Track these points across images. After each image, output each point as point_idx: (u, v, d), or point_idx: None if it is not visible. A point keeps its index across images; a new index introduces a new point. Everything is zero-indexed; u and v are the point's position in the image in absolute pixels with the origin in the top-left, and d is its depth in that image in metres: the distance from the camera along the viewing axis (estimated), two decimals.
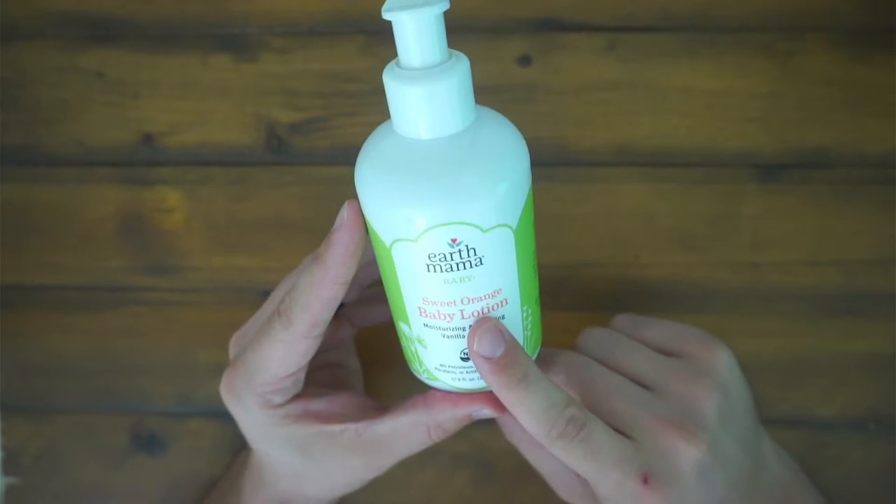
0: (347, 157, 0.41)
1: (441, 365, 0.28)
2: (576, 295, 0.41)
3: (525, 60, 0.40)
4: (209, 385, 0.42)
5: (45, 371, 0.43)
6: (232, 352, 0.33)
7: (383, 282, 0.28)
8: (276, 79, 0.41)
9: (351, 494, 0.37)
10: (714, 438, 0.28)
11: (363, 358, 0.38)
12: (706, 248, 0.40)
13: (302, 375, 0.30)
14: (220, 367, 0.42)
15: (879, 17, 0.39)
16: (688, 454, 0.28)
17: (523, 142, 0.26)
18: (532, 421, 0.27)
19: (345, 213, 0.25)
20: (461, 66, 0.23)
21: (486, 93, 0.40)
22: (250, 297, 0.42)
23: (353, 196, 0.40)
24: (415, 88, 0.23)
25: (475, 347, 0.26)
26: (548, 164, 0.40)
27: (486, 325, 0.26)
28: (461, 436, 0.31)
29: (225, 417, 0.42)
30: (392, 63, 0.24)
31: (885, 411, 0.40)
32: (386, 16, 0.23)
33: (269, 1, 0.41)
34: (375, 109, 0.41)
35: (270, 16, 0.41)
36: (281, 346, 0.28)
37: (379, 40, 0.41)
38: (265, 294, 0.42)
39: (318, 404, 0.31)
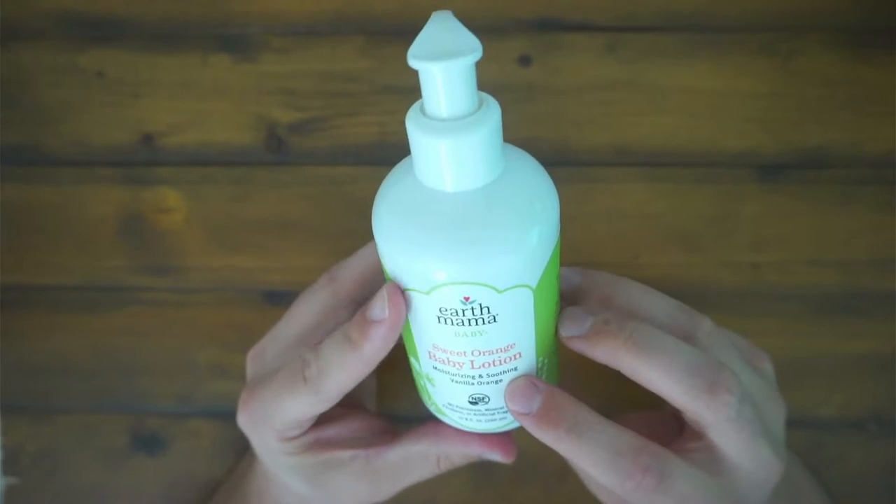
0: (347, 157, 0.41)
1: (449, 404, 0.27)
2: None
3: (525, 60, 0.40)
4: (209, 385, 0.42)
5: (45, 371, 0.43)
6: (249, 370, 0.32)
7: None
8: (276, 79, 0.41)
9: None
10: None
11: None
12: (706, 248, 0.40)
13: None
14: (220, 367, 0.42)
15: (879, 17, 0.39)
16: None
17: (553, 196, 0.24)
18: (600, 473, 0.25)
19: (385, 306, 0.24)
20: (491, 117, 0.21)
21: (487, 93, 0.40)
22: (250, 297, 0.42)
23: (353, 196, 0.40)
24: (440, 141, 0.21)
25: (510, 406, 0.25)
26: (548, 164, 0.40)
27: (517, 381, 0.25)
28: None
29: (225, 418, 0.42)
30: (416, 107, 0.22)
31: (885, 411, 0.40)
32: (412, 64, 0.20)
33: (269, 1, 0.41)
34: (375, 109, 0.41)
35: (270, 16, 0.41)
36: (305, 402, 0.27)
37: (379, 40, 0.41)
38: (265, 294, 0.42)
39: (329, 431, 0.30)
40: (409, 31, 0.41)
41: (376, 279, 0.30)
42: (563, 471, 0.40)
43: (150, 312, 0.42)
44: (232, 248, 0.42)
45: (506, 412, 0.27)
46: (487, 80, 0.41)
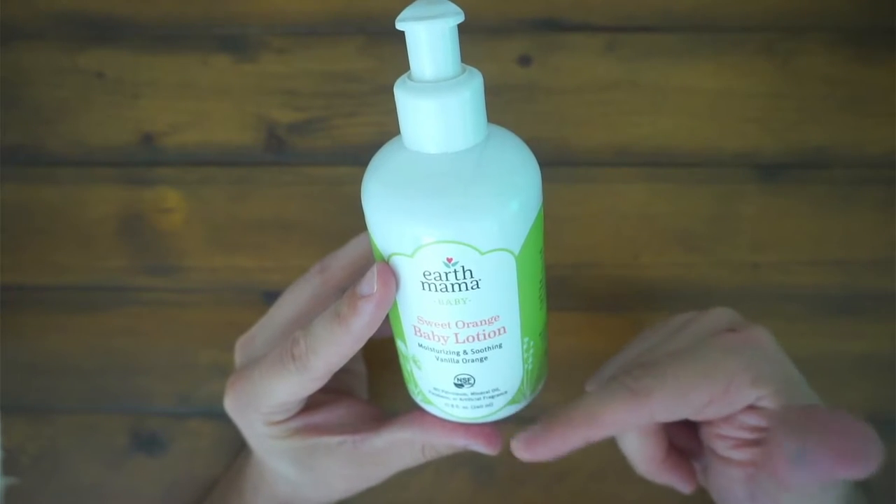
0: (347, 157, 0.41)
1: (435, 388, 0.27)
2: (576, 295, 0.41)
3: (525, 60, 0.40)
4: (209, 385, 0.42)
5: (45, 371, 0.43)
6: (238, 357, 0.33)
7: None
8: (276, 79, 0.41)
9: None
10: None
11: (368, 357, 0.38)
12: (706, 248, 0.40)
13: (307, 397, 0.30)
14: (219, 367, 0.42)
15: (879, 17, 0.39)
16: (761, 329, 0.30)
17: (534, 166, 0.25)
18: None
19: (374, 281, 0.24)
20: (474, 81, 0.23)
21: (487, 93, 0.40)
22: (250, 297, 0.42)
23: (353, 196, 0.40)
24: (425, 101, 0.22)
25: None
26: (548, 164, 0.40)
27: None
28: None
29: (225, 418, 0.42)
30: (403, 76, 0.23)
31: (885, 411, 0.40)
32: (399, 26, 0.22)
33: (269, 1, 0.41)
34: (375, 109, 0.41)
35: (270, 16, 0.41)
36: (293, 382, 0.27)
37: (379, 40, 0.41)
38: (265, 294, 0.42)
39: (317, 417, 0.31)
40: None
41: (366, 269, 0.31)
42: (563, 471, 0.40)
43: (150, 312, 0.42)
44: (231, 248, 0.42)
45: (492, 398, 0.27)
46: (487, 80, 0.41)
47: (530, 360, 0.27)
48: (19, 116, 0.42)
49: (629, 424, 0.28)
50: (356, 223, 0.32)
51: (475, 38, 0.40)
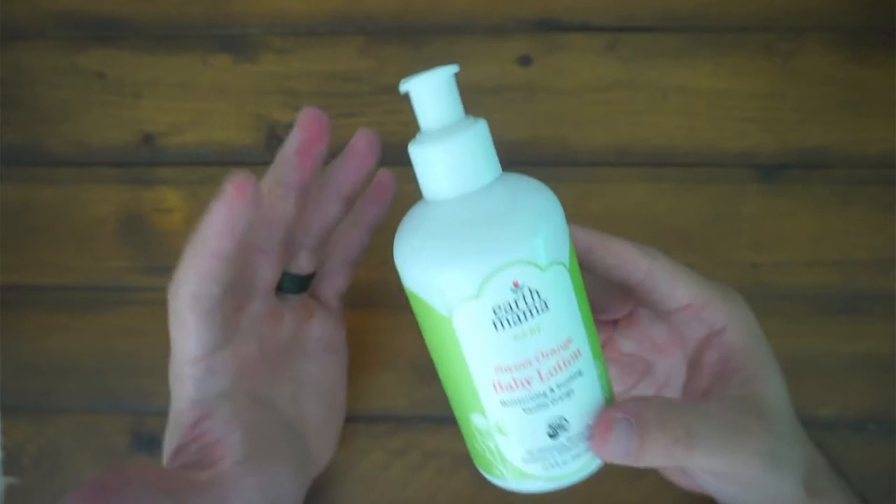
0: None
1: (528, 452, 0.26)
2: None
3: (525, 60, 0.40)
4: None
5: (45, 371, 0.43)
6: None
7: (442, 376, 0.27)
8: (276, 79, 0.41)
9: (350, 493, 0.37)
10: None
11: (365, 356, 0.38)
12: (706, 248, 0.40)
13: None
14: None
15: (879, 17, 0.39)
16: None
17: (551, 190, 0.26)
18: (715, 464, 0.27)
19: (229, 187, 0.25)
20: (479, 123, 0.24)
21: (486, 93, 0.40)
22: None
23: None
24: (435, 146, 0.24)
25: (607, 456, 0.25)
26: (548, 164, 0.40)
27: (599, 426, 0.25)
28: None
29: None
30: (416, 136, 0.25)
31: (884, 412, 0.40)
32: (402, 89, 0.24)
33: (269, 1, 0.41)
34: (375, 109, 0.41)
35: (270, 16, 0.41)
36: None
37: (379, 40, 0.41)
38: None
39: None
40: (409, 31, 0.41)
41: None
42: None
43: (150, 312, 0.42)
44: None
45: (587, 440, 0.26)
46: (488, 81, 0.41)
47: (605, 386, 0.27)
48: (19, 116, 0.42)
49: (633, 258, 0.29)
50: None
51: (475, 38, 0.40)
